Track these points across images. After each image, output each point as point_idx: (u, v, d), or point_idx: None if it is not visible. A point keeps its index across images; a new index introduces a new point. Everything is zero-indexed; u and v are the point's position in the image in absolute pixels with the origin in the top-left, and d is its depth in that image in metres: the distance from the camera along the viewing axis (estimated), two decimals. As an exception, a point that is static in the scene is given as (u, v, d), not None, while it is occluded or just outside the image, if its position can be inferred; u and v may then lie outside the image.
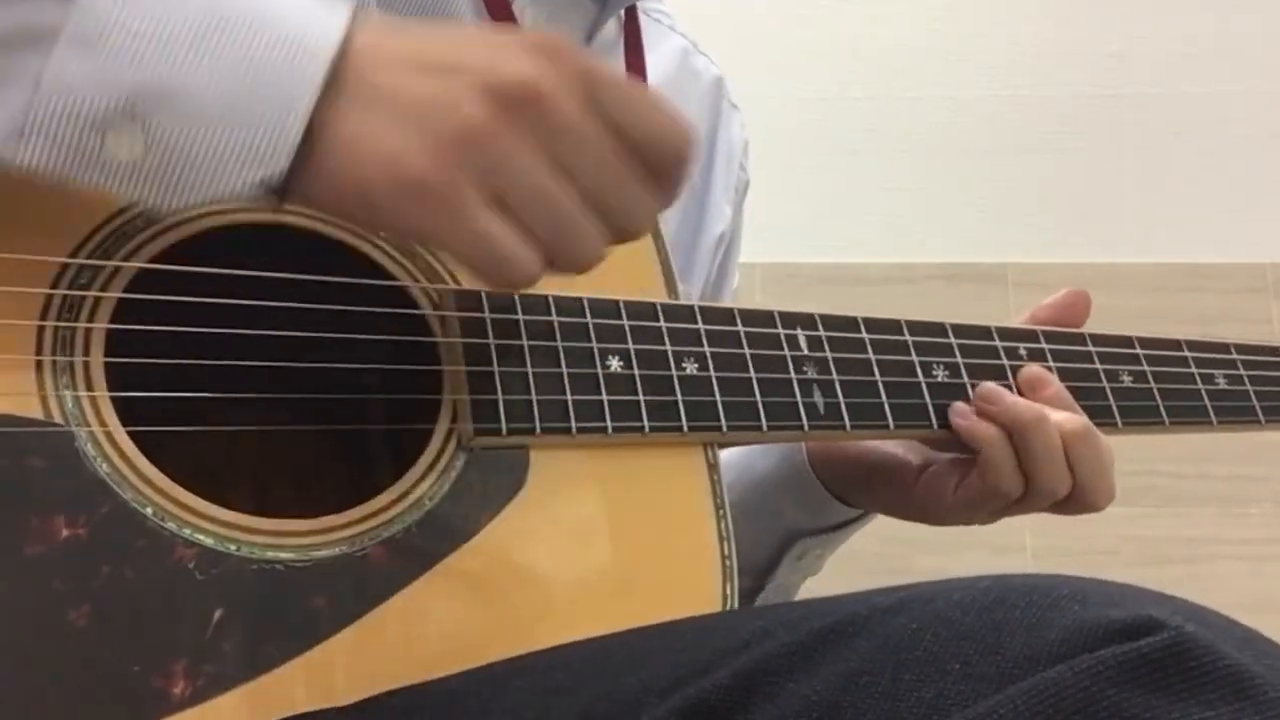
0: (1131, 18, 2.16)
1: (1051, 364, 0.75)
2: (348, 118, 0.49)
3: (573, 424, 0.60)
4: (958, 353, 0.72)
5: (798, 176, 2.12)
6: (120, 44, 0.47)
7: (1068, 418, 0.72)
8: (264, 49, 0.48)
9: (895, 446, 0.78)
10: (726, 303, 0.92)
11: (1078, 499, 0.72)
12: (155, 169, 0.48)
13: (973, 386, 0.71)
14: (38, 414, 0.50)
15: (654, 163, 0.53)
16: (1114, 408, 0.77)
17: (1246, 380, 0.83)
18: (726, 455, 0.87)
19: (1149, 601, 0.41)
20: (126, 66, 0.47)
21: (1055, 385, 0.74)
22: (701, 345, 0.65)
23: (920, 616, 0.42)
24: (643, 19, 0.87)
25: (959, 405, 0.71)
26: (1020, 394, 0.73)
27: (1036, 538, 1.99)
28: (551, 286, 0.58)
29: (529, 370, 0.60)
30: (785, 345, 0.67)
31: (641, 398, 0.62)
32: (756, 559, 0.85)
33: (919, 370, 0.70)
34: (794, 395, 0.66)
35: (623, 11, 0.84)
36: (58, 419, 0.51)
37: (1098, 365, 0.77)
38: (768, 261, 1.89)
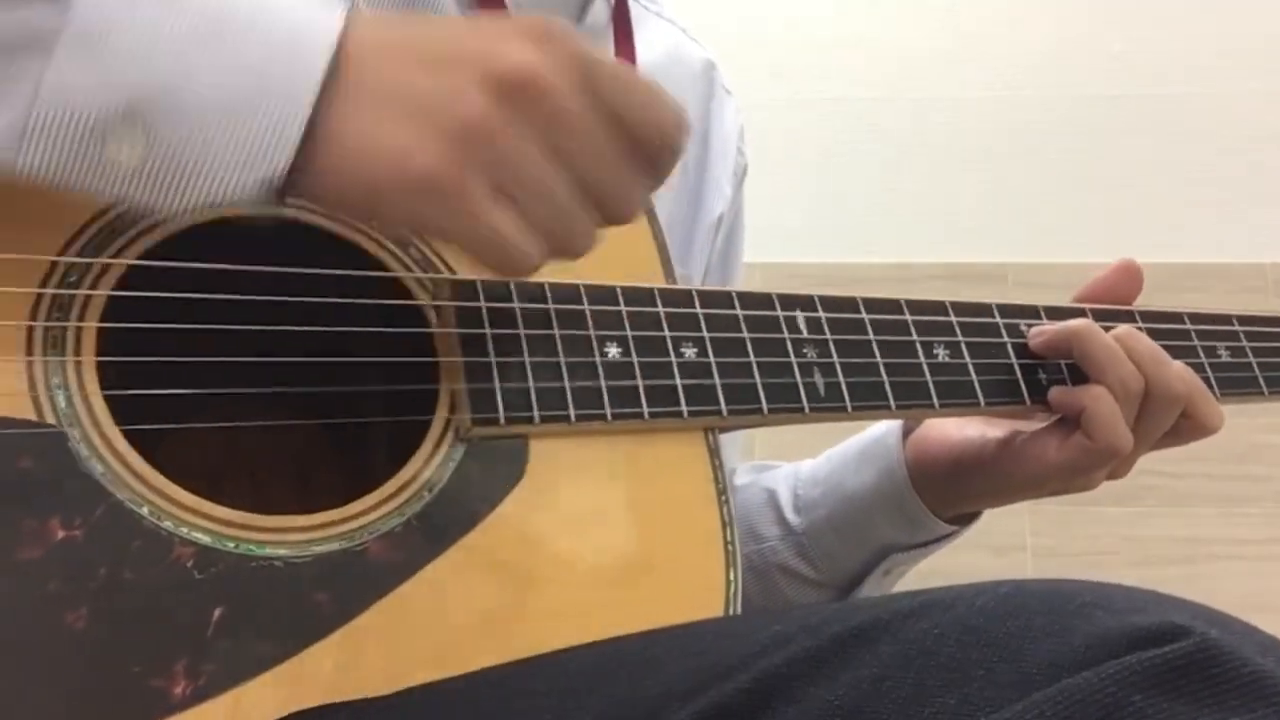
0: (1132, 18, 2.16)
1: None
2: (349, 114, 0.49)
3: (571, 411, 0.59)
4: (958, 331, 0.72)
5: (798, 176, 2.11)
6: (119, 47, 0.46)
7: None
8: (262, 48, 0.48)
9: (977, 427, 0.77)
10: (734, 285, 0.91)
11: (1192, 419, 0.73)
12: (156, 172, 0.48)
13: (974, 366, 0.71)
14: (30, 415, 0.49)
15: (647, 146, 0.53)
16: None
17: (1249, 351, 0.82)
18: (812, 470, 0.87)
19: (1172, 608, 0.41)
20: (125, 70, 0.46)
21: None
22: (700, 330, 0.64)
23: (942, 622, 0.42)
24: (632, 6, 0.86)
25: (1056, 388, 0.72)
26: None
27: (1036, 537, 1.99)
28: (549, 274, 0.58)
29: (526, 359, 0.59)
30: (784, 328, 0.66)
31: (640, 383, 0.61)
32: (846, 572, 0.84)
33: (920, 350, 0.70)
34: (794, 377, 0.65)
35: None
36: (50, 419, 0.50)
37: None
38: (768, 261, 1.88)
